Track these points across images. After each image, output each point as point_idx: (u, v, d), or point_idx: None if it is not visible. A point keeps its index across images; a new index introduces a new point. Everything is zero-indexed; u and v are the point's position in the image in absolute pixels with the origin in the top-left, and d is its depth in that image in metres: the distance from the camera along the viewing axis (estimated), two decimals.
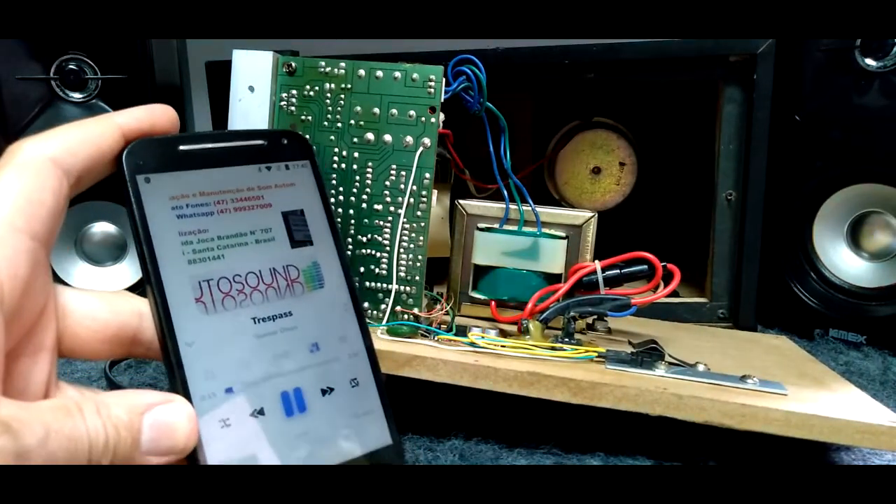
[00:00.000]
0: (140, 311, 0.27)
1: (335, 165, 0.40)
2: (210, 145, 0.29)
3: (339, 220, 0.40)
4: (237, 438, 0.25)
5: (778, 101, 0.50)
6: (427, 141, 0.39)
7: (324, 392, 0.28)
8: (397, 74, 0.39)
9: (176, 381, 0.25)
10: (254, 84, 0.40)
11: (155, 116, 0.28)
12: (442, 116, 0.39)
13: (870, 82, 0.50)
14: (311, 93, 0.40)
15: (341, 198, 0.40)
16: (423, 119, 0.39)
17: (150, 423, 0.23)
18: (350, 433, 0.28)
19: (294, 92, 0.40)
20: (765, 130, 0.49)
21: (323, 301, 0.30)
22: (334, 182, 0.40)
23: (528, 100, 0.63)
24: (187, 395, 0.25)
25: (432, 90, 0.39)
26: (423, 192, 0.39)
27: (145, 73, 0.54)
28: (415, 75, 0.39)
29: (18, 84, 0.53)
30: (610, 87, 0.60)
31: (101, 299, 0.27)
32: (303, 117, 0.40)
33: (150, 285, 0.26)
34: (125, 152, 0.26)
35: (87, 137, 0.25)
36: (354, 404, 0.29)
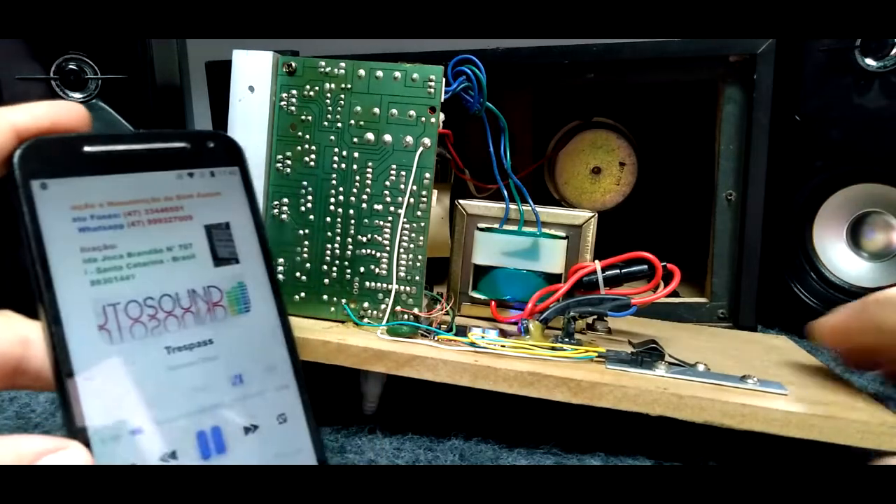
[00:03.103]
0: (25, 337, 0.23)
1: (335, 165, 0.40)
2: (122, 147, 0.25)
3: (338, 220, 0.40)
4: None
5: (778, 101, 0.50)
6: (427, 141, 0.39)
7: (247, 430, 0.25)
8: (397, 74, 0.39)
9: (72, 421, 0.22)
10: (254, 84, 0.40)
11: (58, 114, 0.24)
12: (442, 116, 0.39)
13: (870, 82, 0.50)
14: (311, 93, 0.40)
15: (341, 198, 0.40)
16: (423, 119, 0.39)
17: None
18: None
19: (294, 92, 0.40)
20: (765, 130, 0.49)
21: (249, 327, 0.27)
22: (334, 182, 0.40)
23: (529, 100, 0.63)
24: (85, 439, 0.22)
25: (432, 90, 0.39)
26: (423, 192, 0.39)
27: (145, 73, 0.54)
28: (415, 75, 0.39)
29: (18, 84, 0.53)
30: (610, 87, 0.60)
31: None
32: (303, 117, 0.40)
33: (42, 309, 0.22)
34: (18, 152, 0.23)
35: None
36: (282, 443, 0.26)
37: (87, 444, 0.22)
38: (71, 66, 0.53)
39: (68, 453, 0.21)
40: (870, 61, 0.50)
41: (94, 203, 0.24)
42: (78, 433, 0.22)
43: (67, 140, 0.24)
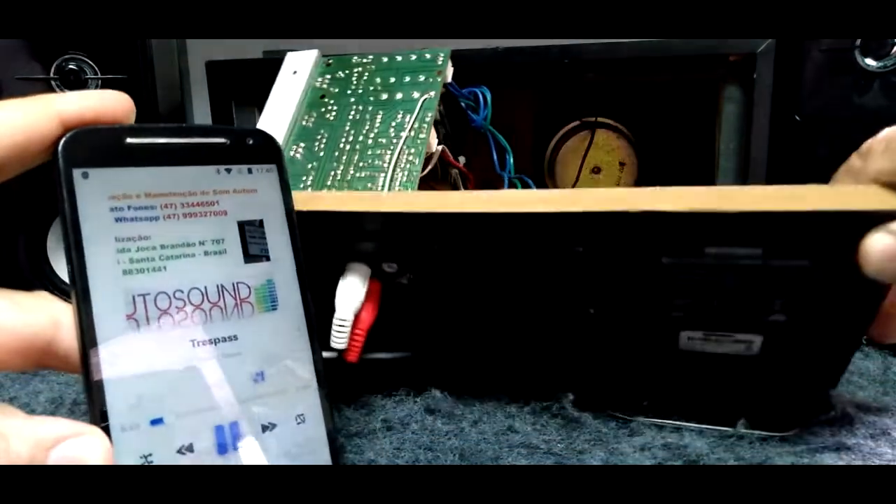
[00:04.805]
0: (57, 319, 0.23)
1: (350, 117, 0.45)
2: (162, 140, 0.26)
3: (344, 155, 0.43)
4: None
5: (778, 101, 0.50)
6: (432, 93, 0.44)
7: (264, 428, 0.26)
8: (413, 56, 0.46)
9: (94, 408, 0.22)
10: (297, 69, 0.47)
11: (104, 104, 0.25)
12: (462, 160, 0.42)
13: (870, 82, 0.50)
14: (341, 74, 0.47)
15: (350, 138, 0.44)
16: (431, 80, 0.44)
17: (56, 460, 0.21)
18: None
19: (328, 76, 0.47)
20: (764, 130, 0.49)
21: (274, 325, 0.27)
22: (347, 128, 0.45)
23: (529, 99, 0.63)
24: (106, 425, 0.22)
25: (440, 62, 0.44)
26: (424, 126, 0.43)
27: (145, 73, 0.54)
28: (427, 55, 0.45)
29: (18, 84, 0.53)
30: (610, 86, 0.60)
31: (12, 303, 0.23)
32: (331, 89, 0.47)
33: (75, 296, 0.23)
34: (63, 141, 0.23)
35: (15, 120, 0.23)
36: (298, 443, 0.26)
37: (107, 430, 0.22)
38: (71, 66, 0.53)
39: (88, 439, 0.21)
40: (870, 61, 0.50)
41: (131, 194, 0.25)
42: (99, 419, 0.22)
43: (111, 131, 0.25)
